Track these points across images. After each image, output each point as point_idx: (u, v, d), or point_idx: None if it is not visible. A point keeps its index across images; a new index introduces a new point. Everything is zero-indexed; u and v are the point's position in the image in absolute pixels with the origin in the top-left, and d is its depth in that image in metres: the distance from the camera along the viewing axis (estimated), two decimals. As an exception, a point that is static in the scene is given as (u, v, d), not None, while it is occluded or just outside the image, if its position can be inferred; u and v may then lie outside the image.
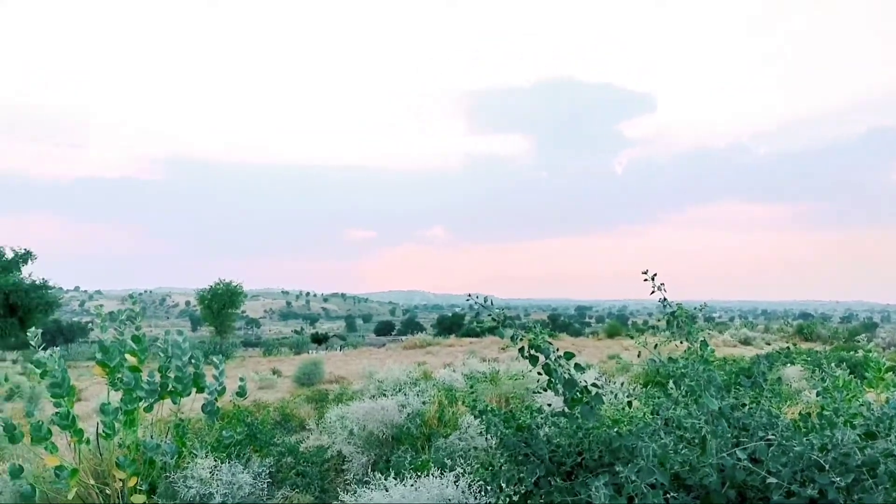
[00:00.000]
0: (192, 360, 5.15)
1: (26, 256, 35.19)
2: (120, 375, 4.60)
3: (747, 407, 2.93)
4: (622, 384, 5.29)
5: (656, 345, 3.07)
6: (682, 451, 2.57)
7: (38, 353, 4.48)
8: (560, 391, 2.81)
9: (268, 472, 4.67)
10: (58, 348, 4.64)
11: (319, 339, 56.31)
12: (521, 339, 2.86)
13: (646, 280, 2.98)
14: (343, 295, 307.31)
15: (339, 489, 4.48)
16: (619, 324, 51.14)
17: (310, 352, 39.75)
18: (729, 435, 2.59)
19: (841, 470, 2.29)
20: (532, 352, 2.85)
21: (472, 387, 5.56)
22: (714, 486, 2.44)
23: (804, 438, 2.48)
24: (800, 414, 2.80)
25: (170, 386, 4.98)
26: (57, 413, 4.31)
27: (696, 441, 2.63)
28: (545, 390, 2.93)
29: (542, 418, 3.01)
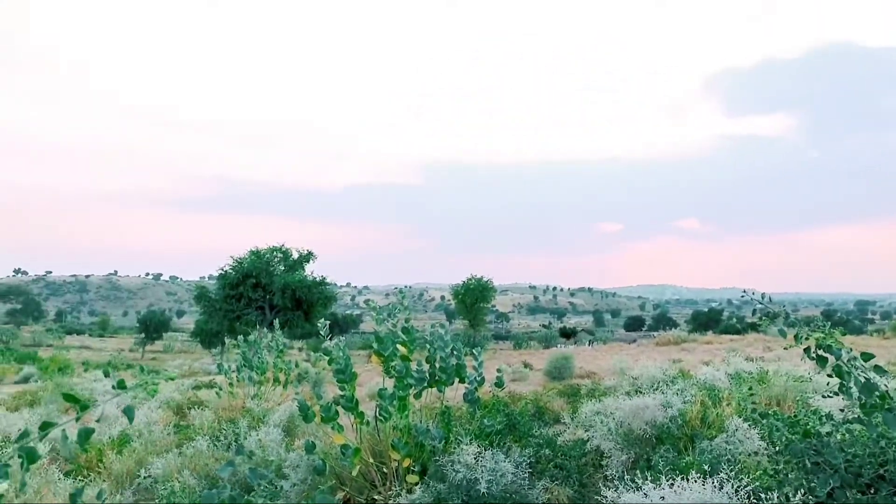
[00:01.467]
0: (455, 352, 5.46)
1: (308, 256, 39.81)
2: (393, 364, 5.02)
3: None
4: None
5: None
6: None
7: (326, 342, 5.06)
8: (855, 396, 2.47)
9: (527, 462, 4.76)
10: (342, 338, 5.19)
11: (567, 334, 56.51)
12: (808, 339, 2.56)
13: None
14: (590, 289, 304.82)
15: (599, 484, 4.43)
16: (911, 320, 44.35)
17: (558, 346, 40.03)
18: None
19: None
20: (820, 352, 2.54)
21: (750, 388, 5.15)
22: None
23: None
24: None
25: (436, 375, 5.34)
26: (342, 396, 4.83)
27: None
28: (836, 394, 2.60)
29: (832, 424, 2.68)
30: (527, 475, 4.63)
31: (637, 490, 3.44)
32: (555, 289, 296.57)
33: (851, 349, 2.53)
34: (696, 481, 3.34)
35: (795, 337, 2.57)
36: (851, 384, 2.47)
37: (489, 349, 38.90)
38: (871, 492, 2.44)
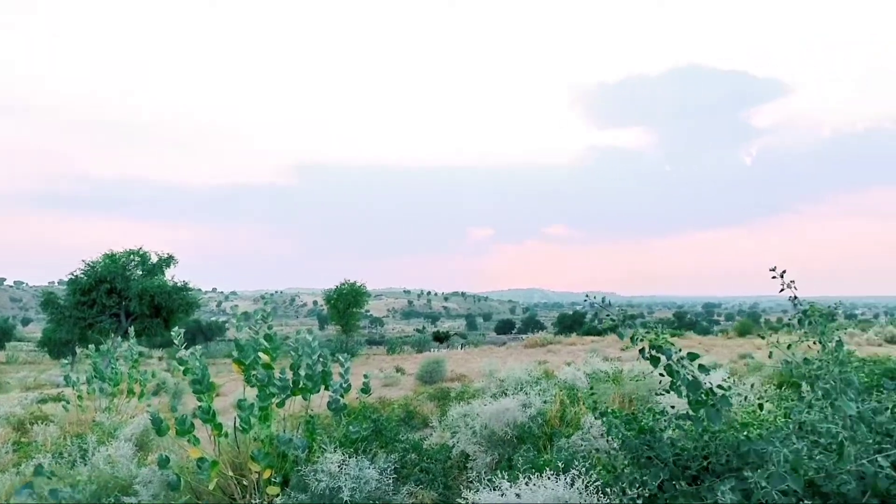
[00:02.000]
0: (321, 359, 5.37)
1: (169, 260, 37.79)
2: (255, 372, 4.86)
3: (889, 411, 2.66)
4: (752, 386, 4.98)
5: (790, 345, 2.85)
6: (818, 458, 2.37)
7: (181, 351, 4.83)
8: (683, 393, 2.68)
9: (393, 467, 4.76)
10: (199, 347, 4.97)
11: (441, 338, 57.15)
12: (642, 340, 2.75)
13: (773, 277, 2.78)
14: (463, 294, 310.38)
15: (462, 487, 4.51)
16: (750, 321, 48.73)
17: (431, 350, 40.43)
18: (870, 441, 2.37)
19: None
20: (653, 352, 2.73)
21: (591, 387, 5.42)
22: (853, 495, 2.25)
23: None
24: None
25: (300, 383, 5.23)
26: (199, 407, 4.63)
27: (833, 447, 2.43)
28: (668, 392, 2.80)
29: (665, 421, 2.88)
30: (391, 480, 4.63)
31: (495, 490, 3.53)
32: (429, 293, 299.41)
33: (681, 349, 2.73)
34: (550, 478, 3.47)
35: (631, 338, 2.74)
36: (680, 383, 2.67)
37: (362, 354, 38.67)
38: (698, 483, 2.65)
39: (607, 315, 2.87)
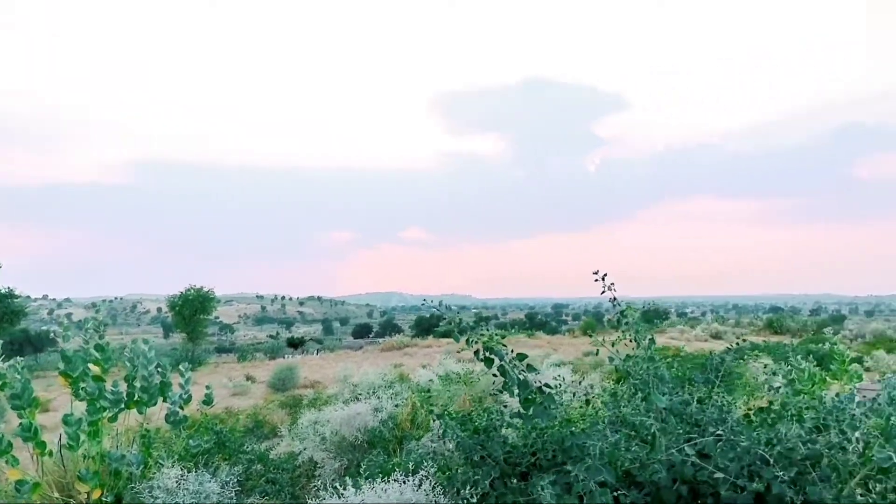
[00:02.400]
0: (159, 369, 5.07)
1: (-10, 265, 34.38)
2: (84, 385, 4.52)
3: (693, 403, 2.94)
4: (580, 382, 5.31)
5: (613, 342, 3.08)
6: (633, 449, 2.58)
7: (-1, 364, 4.41)
8: (515, 392, 2.81)
9: (236, 480, 4.61)
10: (22, 358, 4.55)
11: (295, 344, 55.88)
12: (477, 342, 2.85)
13: (596, 280, 3.00)
14: (319, 298, 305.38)
15: (308, 496, 4.45)
16: (594, 321, 51.69)
17: (285, 357, 39.44)
18: (680, 431, 2.61)
19: (785, 464, 2.33)
20: (487, 354, 2.84)
21: (428, 390, 5.57)
22: (664, 483, 2.46)
23: (752, 433, 2.50)
24: (749, 409, 2.83)
25: (135, 395, 4.91)
26: (19, 425, 4.23)
27: (648, 438, 2.65)
28: (501, 392, 2.93)
29: (499, 420, 3.00)
30: (234, 493, 4.48)
31: (340, 497, 3.50)
32: (283, 298, 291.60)
33: (512, 350, 2.87)
34: (397, 481, 3.50)
35: (467, 341, 2.85)
36: (512, 382, 2.81)
37: (210, 363, 37.01)
38: (528, 479, 2.79)
39: (443, 319, 2.95)
